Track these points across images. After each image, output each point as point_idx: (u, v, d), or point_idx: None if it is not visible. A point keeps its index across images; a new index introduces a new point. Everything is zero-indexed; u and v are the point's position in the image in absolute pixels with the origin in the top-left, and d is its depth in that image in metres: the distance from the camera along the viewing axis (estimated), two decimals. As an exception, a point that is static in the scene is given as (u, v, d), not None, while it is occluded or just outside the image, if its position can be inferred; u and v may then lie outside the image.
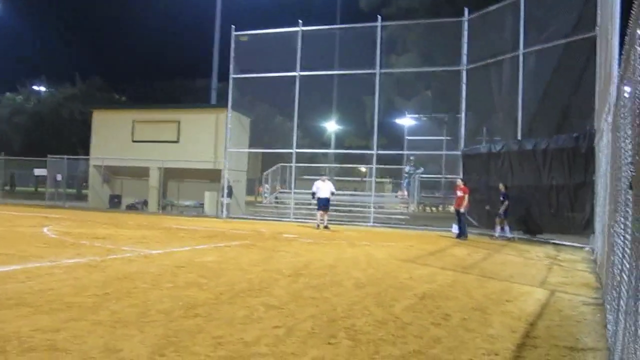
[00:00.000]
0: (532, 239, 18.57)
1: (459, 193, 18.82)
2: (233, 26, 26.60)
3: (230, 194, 26.75)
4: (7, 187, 37.90)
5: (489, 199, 19.41)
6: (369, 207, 25.01)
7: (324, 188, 21.36)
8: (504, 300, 7.75)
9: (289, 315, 6.23)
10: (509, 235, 18.62)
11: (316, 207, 21.84)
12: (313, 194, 21.86)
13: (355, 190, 33.00)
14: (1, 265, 8.81)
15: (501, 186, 18.87)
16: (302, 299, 7.23)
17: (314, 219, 22.05)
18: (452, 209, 22.64)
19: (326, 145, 41.19)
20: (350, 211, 26.13)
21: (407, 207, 28.96)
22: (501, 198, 18.68)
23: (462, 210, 18.64)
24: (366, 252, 13.62)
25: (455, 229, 19.90)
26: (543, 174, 17.90)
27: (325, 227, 21.18)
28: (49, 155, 32.60)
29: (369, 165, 26.72)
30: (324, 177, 22.20)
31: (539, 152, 18.09)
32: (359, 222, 24.48)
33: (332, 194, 21.76)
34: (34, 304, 6.19)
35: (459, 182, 19.20)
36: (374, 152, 24.79)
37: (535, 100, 20.11)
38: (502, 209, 18.50)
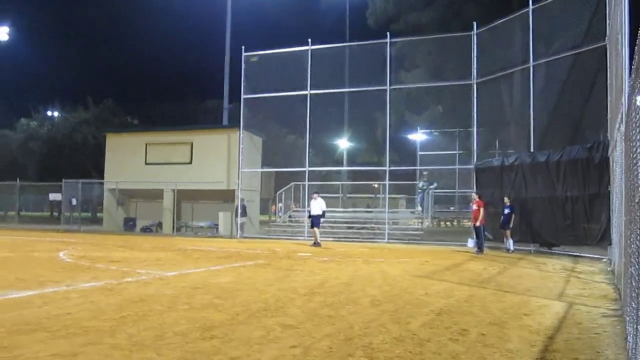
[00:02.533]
0: (549, 252, 18.43)
1: (474, 207, 18.83)
2: (243, 47, 26.82)
3: (244, 214, 26.80)
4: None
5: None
6: (383, 224, 24.94)
7: (314, 206, 21.51)
8: (521, 314, 7.68)
9: (305, 334, 6.21)
10: (511, 247, 18.62)
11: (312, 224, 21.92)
12: (309, 212, 22.11)
13: (368, 207, 32.96)
14: (18, 291, 8.86)
15: (506, 199, 18.89)
16: (318, 317, 7.20)
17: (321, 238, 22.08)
18: (468, 223, 22.55)
19: (339, 162, 41.21)
20: (364, 228, 26.09)
21: (422, 223, 28.88)
22: (507, 210, 18.71)
23: (477, 224, 18.62)
24: (381, 269, 13.57)
25: (471, 243, 19.87)
26: (557, 186, 17.82)
27: (315, 243, 21.29)
28: (63, 180, 32.85)
29: (382, 182, 26.68)
30: (315, 195, 22.16)
31: (552, 164, 18.02)
32: (373, 238, 24.42)
33: (323, 212, 21.76)
34: (51, 329, 6.21)
35: (474, 196, 19.21)
36: (386, 168, 24.78)
37: (547, 112, 20.07)
38: (511, 222, 18.57)
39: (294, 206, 30.16)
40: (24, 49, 59.73)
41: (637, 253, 4.61)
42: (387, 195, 25.64)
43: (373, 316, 7.32)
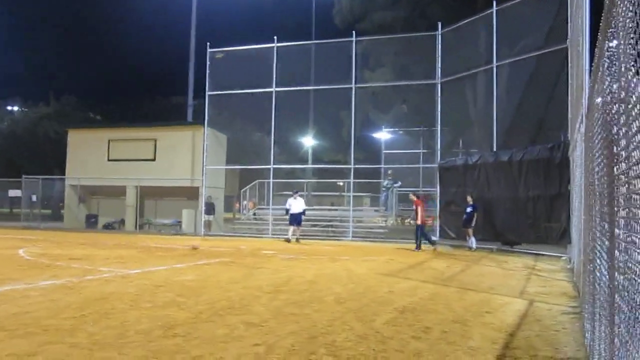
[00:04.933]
0: (511, 250, 18.70)
1: (414, 207, 19.15)
2: (208, 43, 26.64)
3: (211, 211, 26.66)
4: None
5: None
6: (348, 222, 25.03)
7: (295, 204, 22.10)
8: (483, 311, 7.78)
9: (269, 332, 6.20)
10: (473, 246, 18.89)
11: (288, 222, 22.77)
12: (286, 210, 22.67)
13: (333, 205, 33.00)
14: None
15: (468, 197, 19.15)
16: (282, 315, 7.19)
17: (286, 236, 22.54)
18: (428, 221, 22.77)
19: (304, 160, 41.19)
20: (329, 226, 26.14)
21: (386, 221, 29.03)
22: (470, 209, 18.96)
23: (419, 222, 18.88)
24: (346, 266, 13.61)
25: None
26: (519, 185, 18.09)
27: (297, 240, 22.10)
28: (24, 176, 32.24)
29: (346, 180, 26.76)
30: (296, 194, 22.54)
31: (515, 163, 18.29)
32: (338, 236, 24.51)
33: (304, 210, 22.52)
34: (9, 328, 6.09)
35: (412, 197, 19.52)
36: (351, 166, 24.87)
37: (510, 112, 20.37)
38: (473, 220, 18.83)
39: (252, 204, 30.10)
40: (-16, 42, 58.35)
41: (594, 251, 4.70)
42: (352, 194, 25.74)
43: (337, 314, 7.34)
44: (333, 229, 25.74)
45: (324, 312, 7.46)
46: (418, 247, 18.84)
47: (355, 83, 24.45)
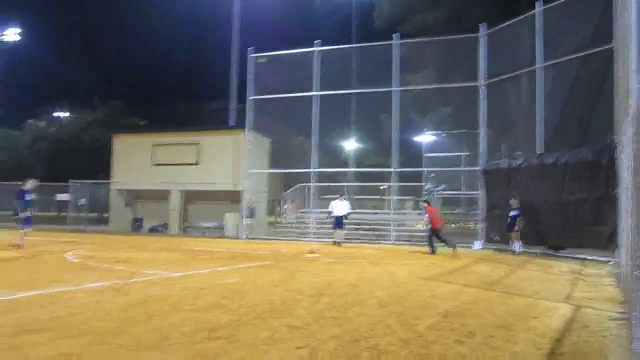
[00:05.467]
0: (556, 254, 18.37)
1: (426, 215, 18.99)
2: (250, 48, 26.88)
3: (252, 215, 26.85)
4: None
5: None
6: (390, 225, 24.94)
7: (338, 207, 22.29)
8: (528, 316, 7.67)
9: (311, 335, 6.21)
10: (518, 250, 18.62)
11: (331, 226, 22.89)
12: (329, 212, 22.77)
13: (374, 209, 32.90)
14: (25, 291, 8.90)
15: (512, 201, 18.87)
16: (324, 319, 7.20)
17: (333, 238, 22.50)
18: (473, 225, 22.61)
19: (345, 164, 41.24)
20: (371, 229, 26.06)
21: (429, 225, 28.82)
22: (514, 213, 18.71)
23: (432, 227, 18.77)
24: (388, 270, 13.56)
25: (477, 245, 19.91)
26: (564, 188, 17.77)
27: (338, 244, 22.10)
28: (71, 180, 32.98)
29: (388, 183, 26.67)
30: (341, 197, 22.63)
31: (560, 166, 17.97)
32: (380, 240, 24.42)
33: (348, 212, 22.62)
34: (58, 329, 6.24)
35: (422, 204, 19.31)
36: (393, 169, 24.77)
37: (555, 114, 20.01)
38: (517, 224, 18.57)
39: (290, 206, 30.23)
40: (34, 51, 59.96)
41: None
42: (394, 197, 25.62)
43: (379, 318, 7.32)
44: (375, 232, 25.65)
45: (366, 316, 7.45)
46: (432, 252, 18.55)
47: (397, 86, 24.36)
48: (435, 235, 18.77)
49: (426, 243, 19.31)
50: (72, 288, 9.34)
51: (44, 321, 6.63)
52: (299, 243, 23.74)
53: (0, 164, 49.34)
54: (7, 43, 52.37)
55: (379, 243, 23.90)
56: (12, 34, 55.69)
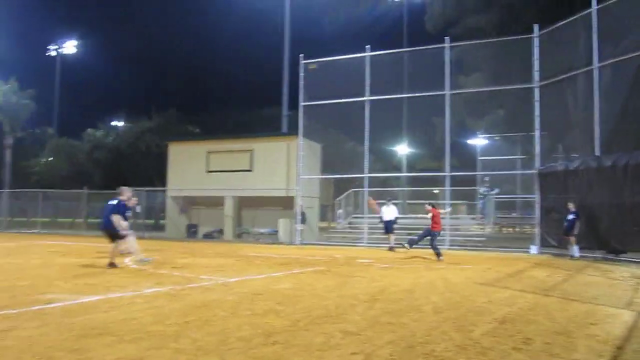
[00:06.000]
0: (616, 259, 17.88)
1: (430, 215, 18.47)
2: (301, 55, 27.09)
3: (303, 220, 26.98)
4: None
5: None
6: (444, 230, 24.67)
7: (387, 212, 22.24)
8: (588, 323, 7.49)
9: (366, 341, 6.23)
10: (576, 254, 18.22)
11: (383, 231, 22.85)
12: (380, 218, 22.73)
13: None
14: (86, 296, 9.18)
15: (570, 204, 18.48)
16: (379, 324, 7.20)
17: (388, 244, 22.39)
18: (530, 229, 22.22)
19: (397, 168, 41.05)
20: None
21: (483, 229, 28.45)
22: (571, 216, 18.33)
23: (434, 231, 18.36)
24: (443, 275, 13.43)
25: (533, 249, 19.58)
26: (624, 191, 17.29)
27: (390, 249, 21.99)
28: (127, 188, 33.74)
29: (442, 188, 26.42)
30: (389, 202, 22.58)
31: (619, 168, 17.50)
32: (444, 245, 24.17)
33: (396, 217, 22.58)
34: (118, 333, 6.43)
35: (428, 207, 18.85)
36: (446, 174, 24.54)
37: (613, 115, 19.50)
38: (575, 228, 18.20)
39: (349, 212, 30.16)
40: (91, 62, 61.77)
41: None
42: (448, 201, 25.36)
43: (435, 324, 7.28)
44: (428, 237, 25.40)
45: (422, 322, 7.41)
46: (439, 255, 17.98)
47: (449, 89, 24.15)
48: (431, 238, 18.35)
49: (481, 247, 19.08)
50: (131, 293, 9.58)
51: (105, 326, 6.83)
52: (352, 249, 23.73)
53: (61, 172, 51.03)
54: (66, 55, 54.15)
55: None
56: (70, 46, 57.60)
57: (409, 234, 25.00)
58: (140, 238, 30.36)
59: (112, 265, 13.97)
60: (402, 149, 41.96)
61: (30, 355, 5.52)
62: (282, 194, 28.55)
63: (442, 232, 19.57)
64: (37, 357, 5.47)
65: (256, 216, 31.12)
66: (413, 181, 36.15)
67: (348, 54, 26.44)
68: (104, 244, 15.83)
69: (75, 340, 6.10)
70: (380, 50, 26.06)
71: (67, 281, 11.29)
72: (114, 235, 14.32)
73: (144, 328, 6.73)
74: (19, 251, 19.97)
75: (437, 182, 28.37)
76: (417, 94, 24.97)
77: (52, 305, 8.32)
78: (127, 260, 15.51)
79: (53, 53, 61.34)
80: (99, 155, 48.77)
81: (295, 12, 38.10)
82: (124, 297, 9.18)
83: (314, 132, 28.43)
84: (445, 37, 24.63)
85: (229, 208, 30.43)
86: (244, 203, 30.71)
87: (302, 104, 26.91)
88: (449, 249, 23.16)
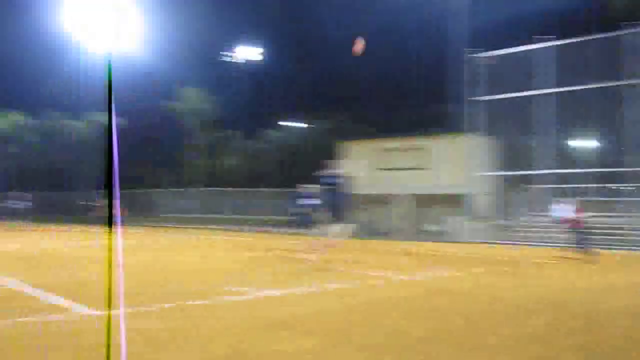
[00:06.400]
0: None
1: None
2: (476, 49, 26.43)
3: (478, 218, 26.32)
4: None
5: None
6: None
7: (562, 210, 20.66)
8: None
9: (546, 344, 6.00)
10: None
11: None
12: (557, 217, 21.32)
13: (612, 211, 30.32)
14: (273, 289, 9.53)
15: None
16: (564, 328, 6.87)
17: (571, 245, 21.13)
18: None
19: (579, 164, 38.66)
20: (611, 234, 24.04)
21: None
22: None
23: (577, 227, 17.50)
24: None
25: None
26: None
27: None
28: (299, 185, 34.87)
29: (635, 184, 24.48)
30: (565, 200, 21.22)
31: None
32: (627, 245, 22.47)
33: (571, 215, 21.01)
34: (297, 326, 6.67)
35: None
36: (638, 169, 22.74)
37: None
38: None
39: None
40: (272, 68, 64.67)
41: None
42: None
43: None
44: (616, 237, 23.64)
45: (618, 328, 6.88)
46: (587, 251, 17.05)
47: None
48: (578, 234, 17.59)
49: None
50: (306, 289, 9.80)
51: (291, 319, 7.07)
52: (531, 249, 22.69)
53: (243, 171, 54.08)
54: (251, 62, 57.22)
55: (627, 249, 21.99)
56: (256, 54, 61.09)
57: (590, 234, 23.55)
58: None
59: (312, 259, 14.21)
60: (587, 143, 39.44)
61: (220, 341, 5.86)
62: (456, 191, 28.01)
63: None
64: (227, 343, 5.77)
65: (428, 214, 30.76)
66: (598, 177, 33.85)
67: (522, 46, 25.31)
68: (290, 240, 16.48)
69: (263, 330, 6.39)
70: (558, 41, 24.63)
71: (255, 274, 11.85)
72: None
73: (328, 324, 6.85)
74: (206, 245, 21.42)
75: (628, 178, 26.28)
76: (607, 84, 23.30)
77: (241, 298, 8.72)
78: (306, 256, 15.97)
79: (237, 58, 64.54)
80: (277, 155, 50.94)
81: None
82: (303, 292, 9.42)
83: (487, 127, 27.59)
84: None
85: (401, 206, 30.41)
86: (418, 200, 30.51)
87: (470, 98, 26.25)
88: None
